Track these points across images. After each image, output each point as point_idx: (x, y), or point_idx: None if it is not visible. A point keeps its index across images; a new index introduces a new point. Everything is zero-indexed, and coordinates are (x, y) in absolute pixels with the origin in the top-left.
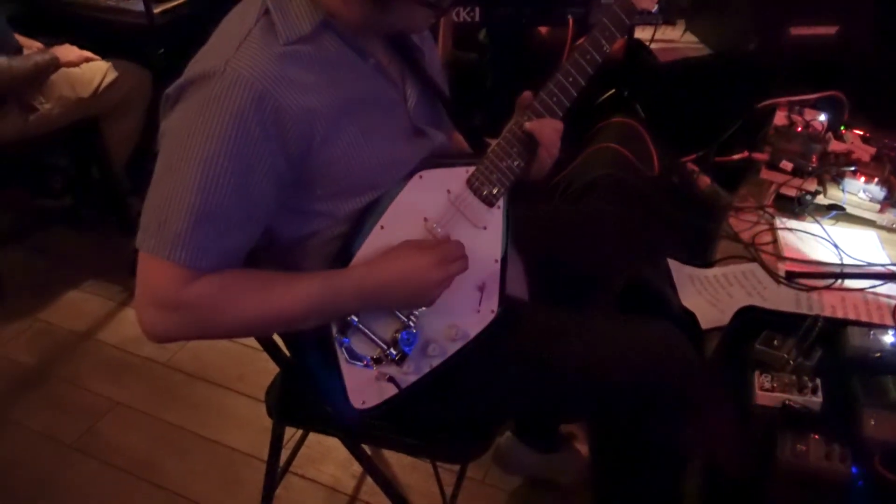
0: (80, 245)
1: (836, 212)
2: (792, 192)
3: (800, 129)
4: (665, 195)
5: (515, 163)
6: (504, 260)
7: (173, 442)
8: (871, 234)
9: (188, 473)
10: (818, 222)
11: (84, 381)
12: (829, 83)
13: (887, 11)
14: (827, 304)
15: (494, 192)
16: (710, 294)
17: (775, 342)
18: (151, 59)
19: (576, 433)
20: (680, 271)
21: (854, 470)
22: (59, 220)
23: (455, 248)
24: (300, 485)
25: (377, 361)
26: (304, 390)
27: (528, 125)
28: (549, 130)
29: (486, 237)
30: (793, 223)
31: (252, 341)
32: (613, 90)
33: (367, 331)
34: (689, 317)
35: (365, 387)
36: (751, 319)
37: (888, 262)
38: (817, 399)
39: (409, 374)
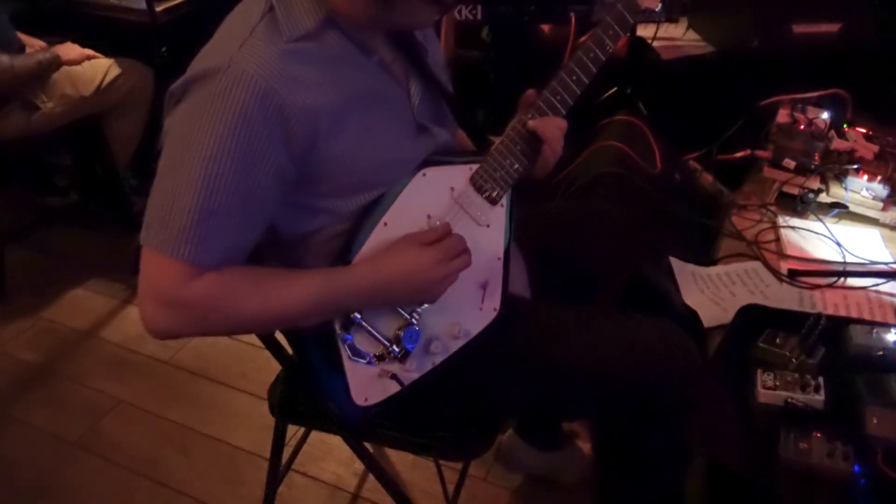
0: (83, 243)
1: (839, 210)
2: (794, 191)
3: (802, 126)
4: (667, 193)
5: (519, 161)
6: (507, 258)
7: (176, 440)
8: (873, 233)
9: (190, 471)
10: (821, 220)
11: (87, 379)
12: (832, 81)
13: (890, 8)
14: (829, 303)
15: (498, 189)
16: (712, 292)
17: (778, 340)
18: (154, 57)
19: (578, 431)
20: (682, 269)
21: (856, 468)
22: (61, 218)
23: (457, 244)
24: (302, 483)
25: (380, 358)
26: (307, 388)
27: (531, 123)
28: (552, 128)
29: (489, 235)
30: (795, 221)
31: (254, 339)
32: (616, 88)
33: (369, 328)
34: (692, 315)
35: (367, 384)
36: (753, 318)
37: (891, 260)
38: (820, 397)
39: (411, 372)
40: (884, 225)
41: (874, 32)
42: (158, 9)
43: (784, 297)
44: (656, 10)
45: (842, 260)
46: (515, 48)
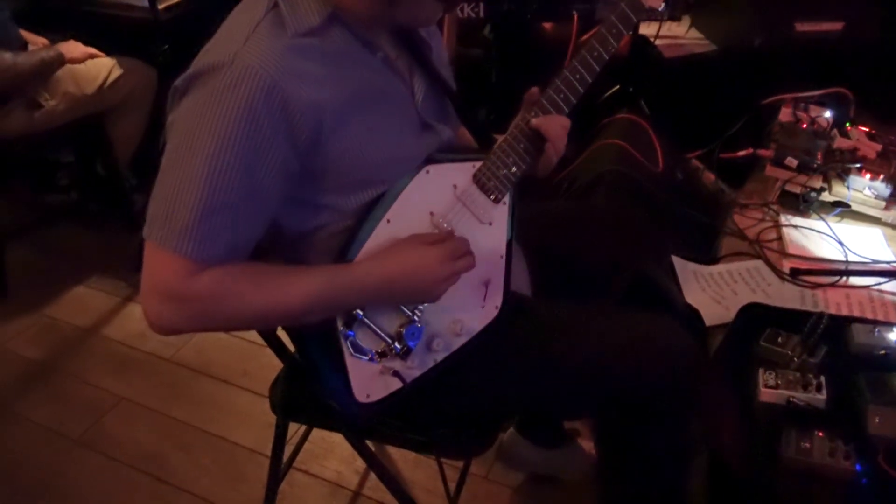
0: (84, 241)
1: (841, 209)
2: (797, 189)
3: (805, 125)
4: (669, 192)
5: (522, 159)
6: (509, 256)
7: (177, 437)
8: (876, 231)
9: (192, 469)
10: (823, 219)
11: (89, 377)
12: (835, 79)
13: (893, 7)
14: (831, 302)
15: (500, 187)
16: (714, 291)
17: (780, 339)
18: (156, 56)
19: (579, 429)
20: (684, 268)
21: (858, 467)
22: (64, 216)
23: (462, 245)
24: (304, 480)
25: (382, 355)
26: (309, 385)
27: (534, 121)
28: (555, 126)
29: (491, 233)
30: (797, 220)
31: (256, 337)
32: (618, 86)
33: (372, 325)
34: (694, 314)
35: (369, 381)
36: (755, 316)
37: (893, 259)
38: (821, 396)
39: (413, 369)
40: (886, 224)
41: (877, 31)
42: (160, 6)
43: (786, 296)
44: (659, 8)
45: (844, 259)
46: (517, 46)
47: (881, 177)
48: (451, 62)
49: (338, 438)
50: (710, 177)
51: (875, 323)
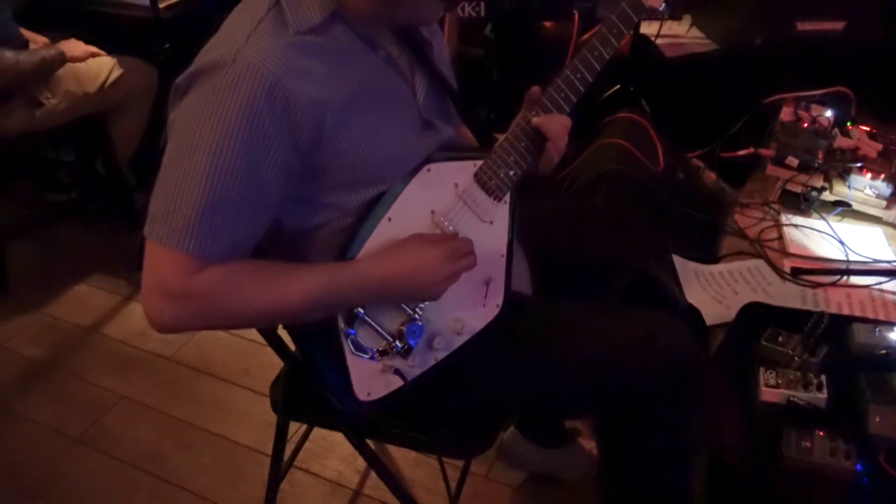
0: (86, 240)
1: (842, 208)
2: (798, 189)
3: (806, 124)
4: (670, 191)
5: (523, 158)
6: (510, 255)
7: (178, 436)
8: (877, 231)
9: (193, 467)
10: (824, 219)
11: (90, 376)
12: (836, 78)
13: (895, 6)
14: (832, 301)
15: (501, 186)
16: (715, 290)
17: (780, 339)
18: (157, 55)
19: (580, 429)
20: (685, 267)
21: (859, 467)
22: (64, 215)
23: (464, 245)
24: (304, 479)
25: (383, 354)
26: (309, 384)
27: (535, 120)
28: (556, 125)
29: (492, 231)
30: (798, 219)
31: (257, 336)
32: (619, 85)
33: (373, 323)
34: (694, 313)
35: (370, 379)
36: (756, 316)
37: (894, 258)
38: (822, 396)
39: (414, 367)
40: (887, 223)
41: (879, 30)
42: (161, 5)
43: (787, 296)
44: (660, 8)
45: (845, 258)
46: (518, 45)
47: (882, 176)
48: (452, 61)
49: (338, 437)
50: (711, 176)
51: (876, 322)
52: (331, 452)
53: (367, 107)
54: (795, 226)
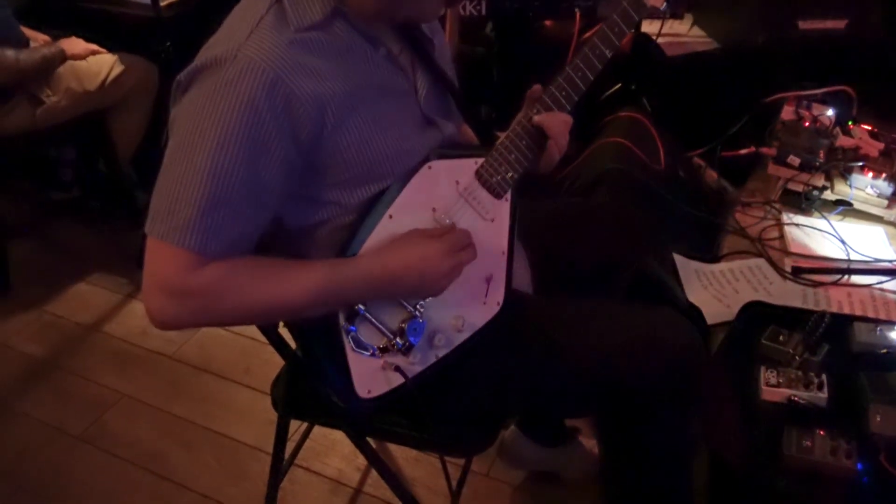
0: (87, 238)
1: (844, 207)
2: (799, 188)
3: (807, 123)
4: (672, 190)
5: (524, 155)
6: (510, 252)
7: (179, 434)
8: (878, 230)
9: (194, 466)
10: (825, 218)
11: (90, 374)
12: (838, 78)
13: None
14: (833, 300)
15: (503, 184)
16: (716, 289)
17: (781, 338)
18: (158, 53)
19: (581, 427)
20: (686, 266)
21: (859, 466)
22: (66, 212)
23: (462, 237)
24: (305, 478)
25: (384, 351)
26: (310, 381)
27: (536, 118)
28: (557, 123)
29: (493, 229)
30: (800, 218)
31: (258, 334)
32: (620, 84)
33: (373, 320)
34: (695, 312)
35: (371, 376)
36: (757, 315)
37: (895, 257)
38: (823, 395)
39: (415, 364)
40: (888, 222)
41: (880, 29)
42: (163, 3)
43: (788, 295)
44: (661, 6)
45: (846, 257)
46: (519, 44)
47: (883, 175)
48: (453, 60)
49: (339, 436)
50: (712, 175)
51: (877, 322)
52: (331, 450)
53: (368, 104)
54: (797, 225)
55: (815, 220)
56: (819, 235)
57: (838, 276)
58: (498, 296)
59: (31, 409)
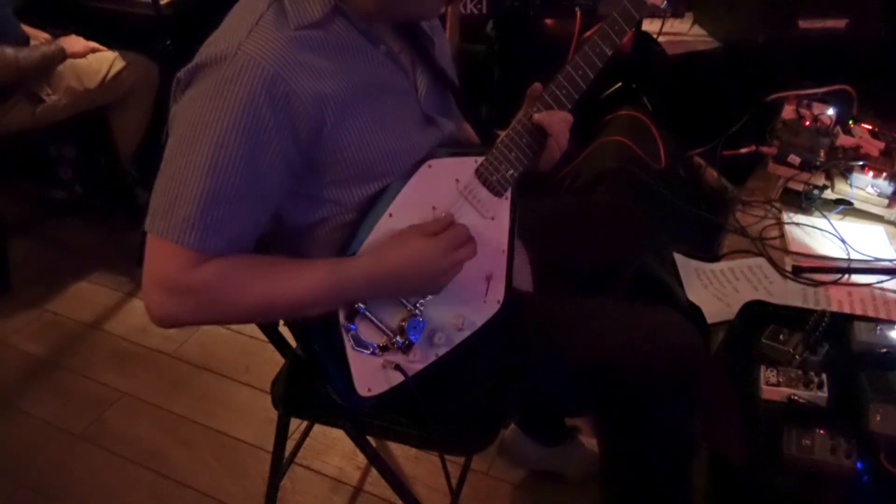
0: (87, 236)
1: (844, 206)
2: (799, 187)
3: (808, 123)
4: (672, 189)
5: (524, 154)
6: (511, 250)
7: (179, 432)
8: (878, 229)
9: (194, 464)
10: (826, 217)
11: (91, 372)
12: (838, 77)
13: None
14: (834, 299)
15: (503, 182)
16: (716, 288)
17: (781, 337)
18: (158, 51)
19: (581, 426)
20: (686, 265)
21: (859, 465)
22: (66, 211)
23: (461, 232)
24: (305, 476)
25: (384, 349)
26: (310, 380)
27: (537, 116)
28: (558, 122)
29: (493, 227)
30: (800, 218)
31: (258, 332)
32: (621, 83)
33: (373, 318)
34: (695, 311)
35: (371, 374)
36: (757, 314)
37: (895, 257)
38: (823, 394)
39: (415, 363)
40: (889, 222)
41: (881, 28)
42: (163, 2)
43: (788, 294)
44: (662, 5)
45: (846, 257)
46: (520, 42)
47: (884, 174)
48: (453, 58)
49: (339, 434)
50: (712, 174)
51: (877, 321)
52: (331, 449)
53: (367, 102)
54: (797, 224)
55: (816, 220)
56: (819, 235)
57: (838, 276)
58: (498, 294)
59: (32, 408)
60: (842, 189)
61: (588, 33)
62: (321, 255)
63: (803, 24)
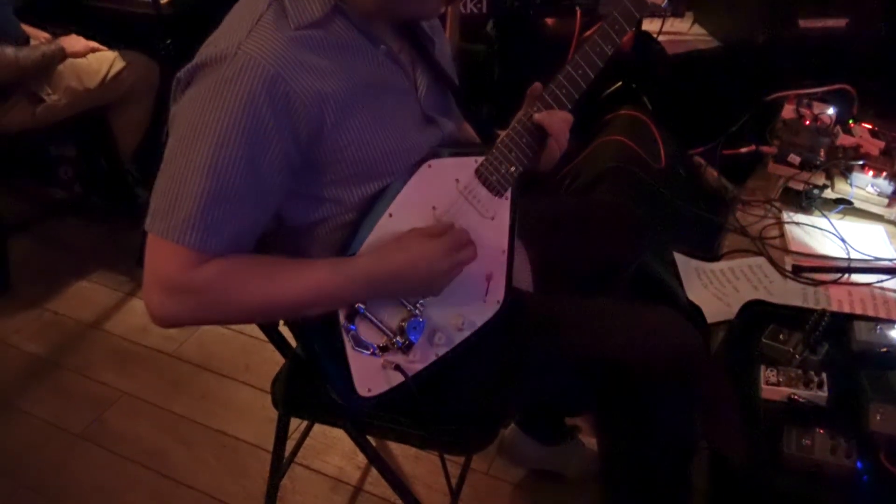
0: (87, 235)
1: (844, 206)
2: (800, 186)
3: (808, 122)
4: (672, 188)
5: (524, 154)
6: (511, 250)
7: (179, 432)
8: (878, 229)
9: (194, 463)
10: (826, 216)
11: (91, 371)
12: (838, 76)
13: None
14: (834, 299)
15: (503, 182)
16: (716, 288)
17: (781, 336)
18: (158, 50)
19: (581, 426)
20: (686, 265)
21: (859, 464)
22: (66, 210)
23: (462, 235)
24: (305, 475)
25: (383, 349)
26: (310, 379)
27: (537, 116)
28: (558, 122)
29: (493, 227)
30: (800, 217)
31: (258, 332)
32: (621, 82)
33: (373, 318)
34: (695, 310)
35: (371, 375)
36: (757, 313)
37: (895, 256)
38: (823, 393)
39: (415, 363)
40: (889, 221)
41: (881, 27)
42: (163, 1)
43: (788, 293)
44: (662, 4)
45: (846, 256)
46: (520, 42)
47: (884, 174)
48: (453, 58)
49: (339, 433)
50: (712, 173)
51: (877, 320)
52: (332, 448)
53: (368, 101)
54: (797, 223)
55: (816, 219)
56: (819, 234)
57: (838, 275)
58: (498, 294)
59: (32, 407)
60: (842, 188)
61: (588, 32)
62: (321, 254)
63: (803, 23)
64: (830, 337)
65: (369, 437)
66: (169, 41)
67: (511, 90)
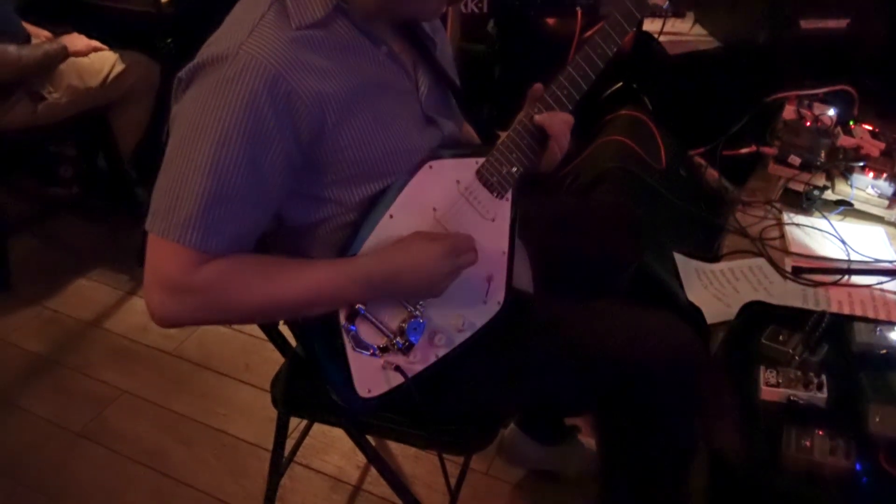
0: (87, 234)
1: (844, 207)
2: (800, 187)
3: (809, 123)
4: (672, 189)
5: (525, 155)
6: (511, 251)
7: (179, 431)
8: (878, 230)
9: (194, 462)
10: (826, 218)
11: (91, 370)
12: (839, 77)
13: None
14: (833, 300)
15: (503, 183)
16: (716, 288)
17: (781, 337)
18: (160, 49)
19: (581, 426)
20: (686, 265)
21: (858, 466)
22: (67, 209)
23: (465, 241)
24: (305, 475)
25: (384, 350)
26: (310, 380)
27: (538, 117)
28: (559, 123)
29: (493, 228)
30: (800, 218)
31: (258, 331)
32: (622, 83)
33: (374, 319)
34: (696, 311)
35: (371, 375)
36: (757, 314)
37: (895, 258)
38: (822, 395)
39: (415, 364)
40: (889, 223)
41: (882, 28)
42: (164, 0)
43: (788, 294)
44: (664, 5)
45: (846, 257)
46: (521, 42)
47: (884, 175)
48: (454, 58)
49: (339, 433)
50: (713, 174)
51: (876, 322)
52: (331, 448)
53: (369, 102)
54: (797, 225)
55: (816, 220)
56: (819, 235)
57: (838, 277)
58: (498, 295)
59: (32, 406)
60: (842, 190)
61: (589, 33)
62: (322, 254)
63: (804, 24)
64: (830, 338)
65: (369, 437)
66: (169, 40)
67: (512, 90)
